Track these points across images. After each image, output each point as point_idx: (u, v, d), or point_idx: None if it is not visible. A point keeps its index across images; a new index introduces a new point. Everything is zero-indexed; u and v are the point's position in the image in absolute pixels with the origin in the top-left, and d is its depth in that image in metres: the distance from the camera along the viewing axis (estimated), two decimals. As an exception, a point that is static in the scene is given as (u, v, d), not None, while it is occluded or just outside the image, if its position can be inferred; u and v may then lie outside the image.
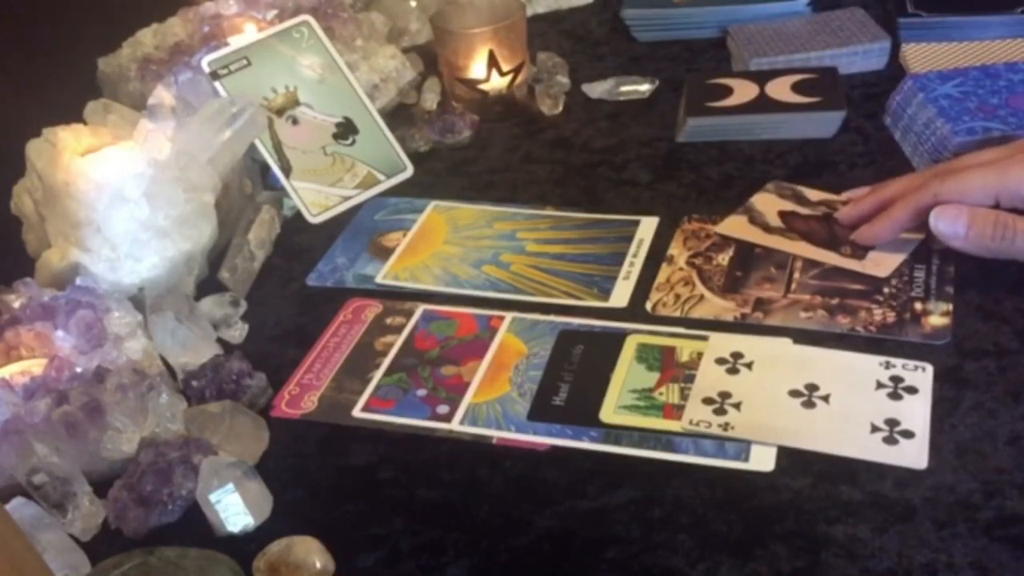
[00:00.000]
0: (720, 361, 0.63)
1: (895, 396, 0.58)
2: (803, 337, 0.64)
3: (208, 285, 0.76)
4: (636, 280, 0.71)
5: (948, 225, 0.64)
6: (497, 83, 0.93)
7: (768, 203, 0.76)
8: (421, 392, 0.64)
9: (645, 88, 0.94)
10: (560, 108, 0.94)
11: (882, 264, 0.68)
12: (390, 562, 0.54)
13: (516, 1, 0.94)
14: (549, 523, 0.54)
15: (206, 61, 0.82)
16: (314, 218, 0.83)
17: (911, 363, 0.60)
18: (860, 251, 0.69)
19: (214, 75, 0.82)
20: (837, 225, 0.72)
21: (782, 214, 0.74)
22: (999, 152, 0.66)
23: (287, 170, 0.83)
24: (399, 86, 0.94)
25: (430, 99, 0.96)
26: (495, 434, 0.60)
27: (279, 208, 0.83)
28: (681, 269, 0.71)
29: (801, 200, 0.76)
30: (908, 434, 0.56)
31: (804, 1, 1.00)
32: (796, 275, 0.69)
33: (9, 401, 0.61)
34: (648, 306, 0.68)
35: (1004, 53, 0.86)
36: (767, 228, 0.73)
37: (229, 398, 0.63)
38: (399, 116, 0.94)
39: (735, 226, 0.74)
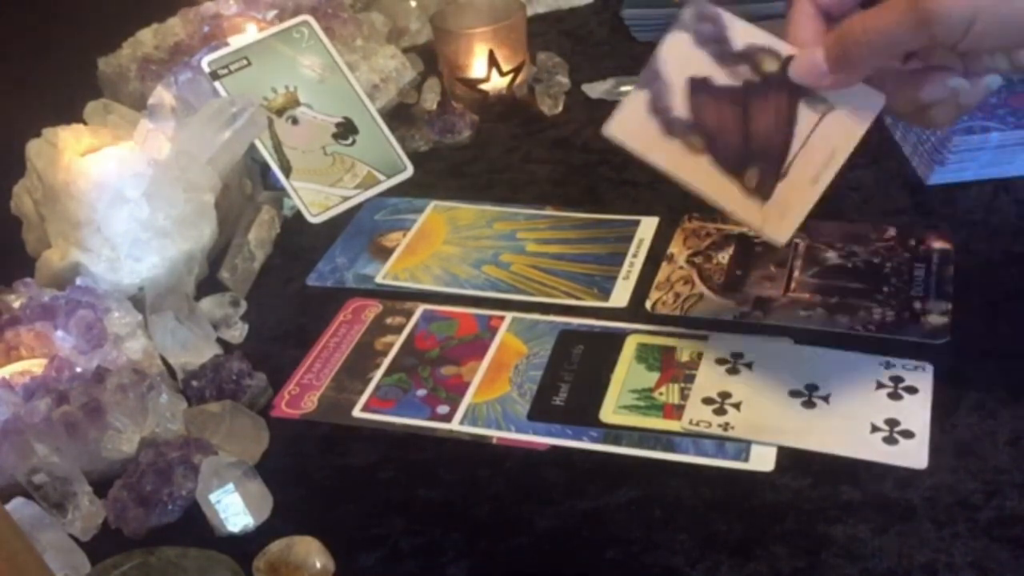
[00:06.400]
0: (720, 361, 0.63)
1: (895, 396, 0.58)
2: (803, 336, 0.64)
3: (208, 285, 0.76)
4: (636, 280, 0.71)
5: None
6: (497, 83, 0.93)
7: (680, 57, 0.56)
8: (421, 392, 0.64)
9: (645, 88, 0.94)
10: (560, 108, 0.94)
11: (783, 222, 0.54)
12: (390, 562, 0.54)
13: (516, 1, 0.94)
14: (549, 523, 0.54)
15: (206, 61, 0.82)
16: (314, 218, 0.83)
17: (911, 363, 0.60)
18: (767, 184, 0.54)
19: (214, 75, 0.82)
20: (757, 115, 0.55)
21: (693, 84, 0.56)
22: None
23: (287, 170, 0.83)
24: (399, 86, 0.94)
25: (430, 99, 0.96)
26: (495, 434, 0.60)
27: (279, 208, 0.83)
28: (681, 268, 0.71)
29: (723, 53, 0.55)
30: (908, 434, 0.56)
31: (804, 1, 0.99)
32: (796, 274, 0.69)
33: (9, 401, 0.61)
34: (648, 304, 0.68)
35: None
36: (668, 125, 0.56)
37: (229, 398, 0.63)
38: (399, 116, 0.94)
39: (629, 121, 0.56)
